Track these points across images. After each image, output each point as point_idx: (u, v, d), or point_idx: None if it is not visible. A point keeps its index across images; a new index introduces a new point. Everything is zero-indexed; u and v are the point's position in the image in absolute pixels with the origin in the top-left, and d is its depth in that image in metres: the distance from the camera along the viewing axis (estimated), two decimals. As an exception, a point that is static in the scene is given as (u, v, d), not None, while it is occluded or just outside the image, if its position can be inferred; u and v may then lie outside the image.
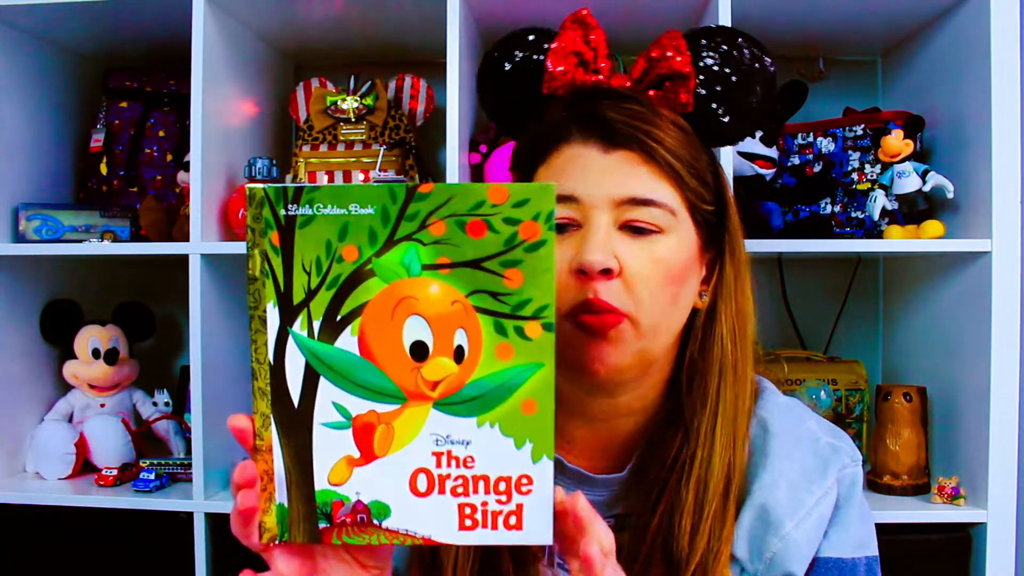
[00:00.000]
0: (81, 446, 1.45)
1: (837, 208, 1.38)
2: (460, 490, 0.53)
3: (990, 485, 1.21)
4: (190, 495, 1.31)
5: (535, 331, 0.52)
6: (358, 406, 0.53)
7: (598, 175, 0.69)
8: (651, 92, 0.73)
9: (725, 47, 0.74)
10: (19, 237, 1.42)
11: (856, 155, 1.37)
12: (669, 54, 0.72)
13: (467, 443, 0.53)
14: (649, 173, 0.69)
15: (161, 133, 1.55)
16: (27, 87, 1.48)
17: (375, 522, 0.54)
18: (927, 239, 1.27)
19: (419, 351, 0.52)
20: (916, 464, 1.31)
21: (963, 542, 1.26)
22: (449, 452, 0.53)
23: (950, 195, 1.28)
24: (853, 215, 1.35)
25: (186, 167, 1.42)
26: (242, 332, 1.44)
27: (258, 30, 1.49)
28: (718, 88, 0.73)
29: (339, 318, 0.53)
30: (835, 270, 1.62)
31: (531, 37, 0.77)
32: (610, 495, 0.75)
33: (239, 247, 1.34)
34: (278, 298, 0.53)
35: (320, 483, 0.54)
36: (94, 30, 1.47)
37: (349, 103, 1.45)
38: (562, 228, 0.69)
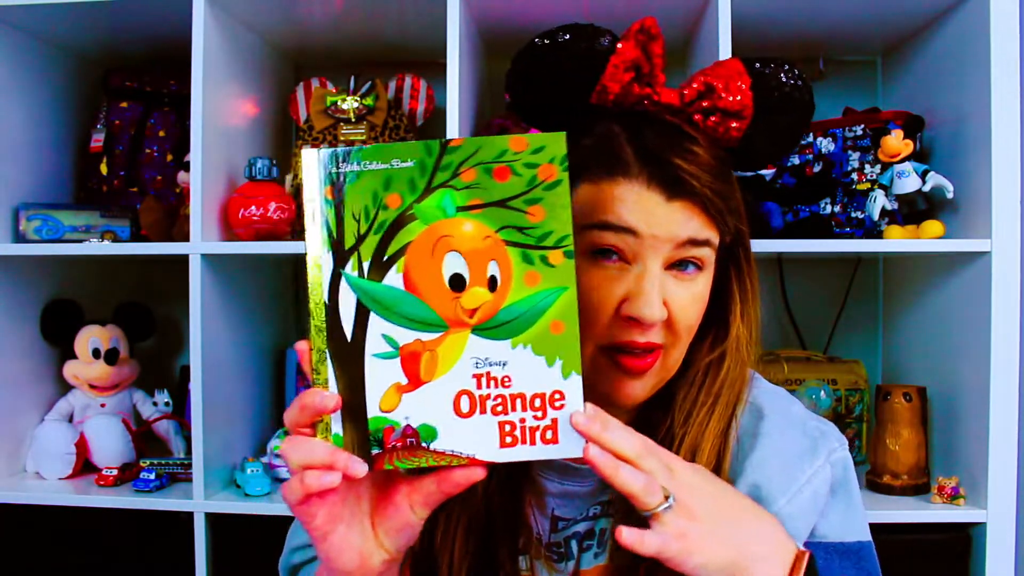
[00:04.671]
0: (81, 446, 1.46)
1: (837, 208, 1.37)
2: (500, 409, 0.58)
3: (990, 485, 1.21)
4: (190, 495, 1.31)
5: (558, 259, 0.58)
6: (405, 336, 0.58)
7: (661, 219, 0.69)
8: (697, 116, 0.72)
9: (770, 76, 0.73)
10: (19, 237, 1.42)
11: (856, 155, 1.37)
12: (734, 93, 0.71)
13: (504, 364, 0.58)
14: (701, 222, 0.70)
15: (161, 133, 1.55)
16: (27, 87, 1.48)
17: (424, 445, 0.58)
18: (927, 239, 1.27)
19: (457, 283, 0.59)
20: (916, 464, 1.31)
21: (963, 542, 1.26)
22: (488, 373, 0.58)
23: (950, 195, 1.28)
24: (853, 215, 1.35)
25: (186, 167, 1.42)
26: (242, 332, 1.45)
27: (258, 30, 1.49)
28: (759, 119, 0.73)
29: (385, 258, 0.59)
30: (835, 270, 1.62)
31: (589, 35, 0.72)
32: (596, 484, 0.76)
33: (239, 247, 1.34)
34: (331, 244, 0.59)
35: (372, 411, 0.59)
36: (94, 30, 1.47)
37: (349, 103, 1.45)
38: (606, 254, 0.69)
